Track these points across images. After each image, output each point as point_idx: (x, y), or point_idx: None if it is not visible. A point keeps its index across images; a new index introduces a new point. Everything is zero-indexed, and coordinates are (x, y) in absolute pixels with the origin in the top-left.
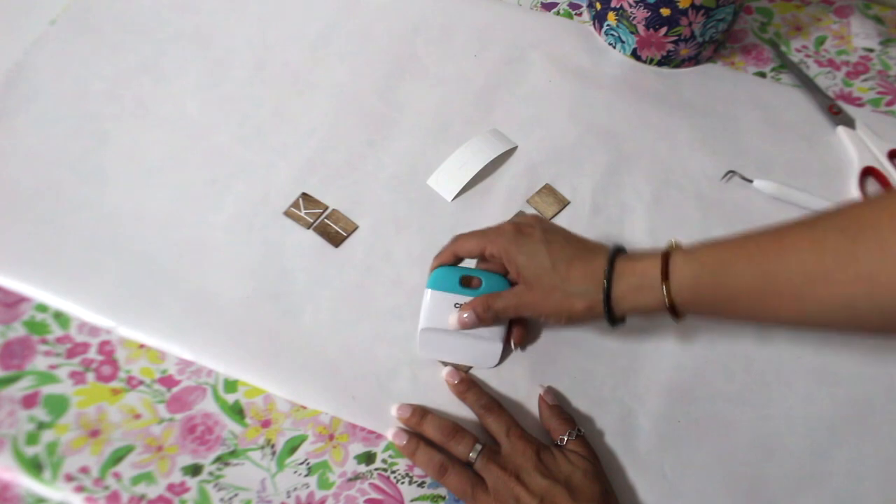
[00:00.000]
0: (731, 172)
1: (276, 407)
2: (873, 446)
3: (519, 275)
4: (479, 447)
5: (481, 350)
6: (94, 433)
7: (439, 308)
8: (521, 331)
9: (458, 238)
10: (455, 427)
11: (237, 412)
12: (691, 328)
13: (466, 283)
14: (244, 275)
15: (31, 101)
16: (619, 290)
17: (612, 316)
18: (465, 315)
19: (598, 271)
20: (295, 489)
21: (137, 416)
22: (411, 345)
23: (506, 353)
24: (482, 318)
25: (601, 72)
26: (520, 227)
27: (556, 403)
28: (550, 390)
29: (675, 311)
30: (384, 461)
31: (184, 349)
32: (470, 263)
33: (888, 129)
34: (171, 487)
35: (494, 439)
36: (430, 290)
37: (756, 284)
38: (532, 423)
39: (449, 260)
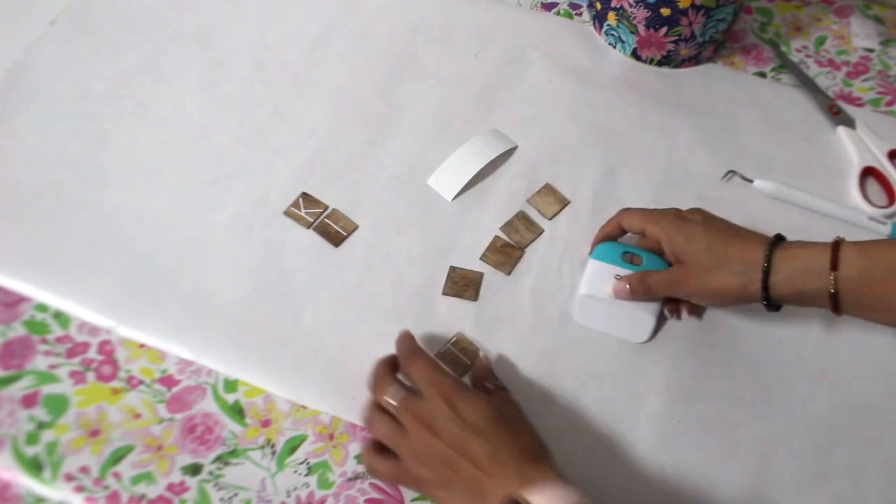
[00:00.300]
0: (732, 172)
1: (276, 407)
2: (873, 446)
3: (676, 255)
4: (399, 396)
5: (634, 322)
6: (94, 433)
7: (600, 278)
8: (688, 303)
9: (625, 212)
10: (381, 375)
11: (237, 412)
12: (691, 329)
13: (628, 259)
14: (244, 275)
15: (31, 101)
16: (780, 273)
17: (768, 297)
18: (620, 286)
19: (757, 253)
20: (295, 489)
21: (137, 416)
22: None
23: (658, 328)
24: (635, 290)
25: (601, 72)
26: (682, 213)
27: (489, 367)
28: (486, 358)
29: (836, 302)
30: None
31: (184, 349)
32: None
33: (888, 129)
34: (170, 487)
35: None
36: (592, 260)
37: None
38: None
39: (614, 230)
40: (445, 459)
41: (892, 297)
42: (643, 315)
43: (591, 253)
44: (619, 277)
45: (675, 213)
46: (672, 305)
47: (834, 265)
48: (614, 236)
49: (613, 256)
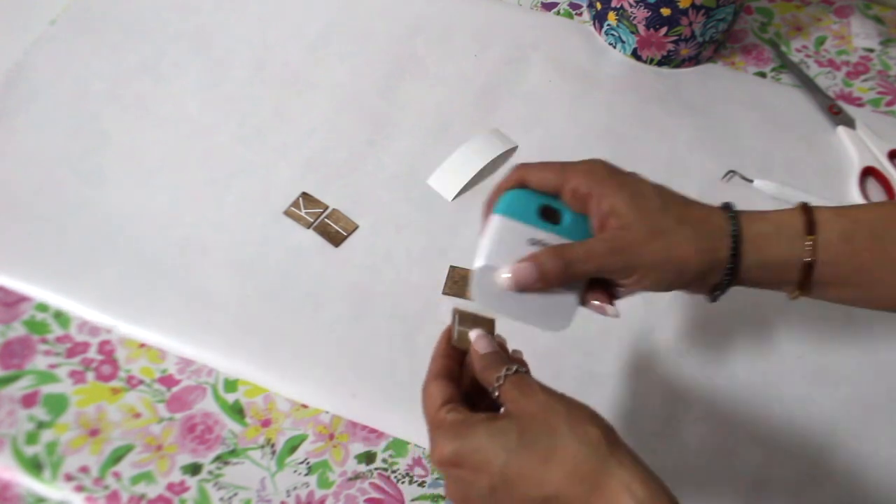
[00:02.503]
0: (732, 172)
1: (276, 406)
2: (873, 446)
3: (614, 216)
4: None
5: (550, 305)
6: (94, 432)
7: (508, 242)
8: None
9: (526, 166)
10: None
11: (237, 412)
12: (690, 328)
13: (548, 215)
14: (244, 274)
15: (31, 101)
16: (749, 234)
17: (736, 267)
18: (524, 269)
19: (717, 214)
20: (295, 488)
21: (137, 416)
22: (411, 343)
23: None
24: (549, 274)
25: (601, 72)
26: (612, 165)
27: (491, 350)
28: (484, 336)
29: (808, 275)
30: (384, 461)
31: (184, 348)
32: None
33: (888, 129)
34: (170, 487)
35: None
36: (497, 216)
37: None
38: None
39: (514, 181)
40: None
41: (877, 267)
42: (563, 295)
43: (494, 207)
44: (535, 243)
45: (605, 165)
46: (598, 294)
47: (810, 228)
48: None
49: (526, 211)
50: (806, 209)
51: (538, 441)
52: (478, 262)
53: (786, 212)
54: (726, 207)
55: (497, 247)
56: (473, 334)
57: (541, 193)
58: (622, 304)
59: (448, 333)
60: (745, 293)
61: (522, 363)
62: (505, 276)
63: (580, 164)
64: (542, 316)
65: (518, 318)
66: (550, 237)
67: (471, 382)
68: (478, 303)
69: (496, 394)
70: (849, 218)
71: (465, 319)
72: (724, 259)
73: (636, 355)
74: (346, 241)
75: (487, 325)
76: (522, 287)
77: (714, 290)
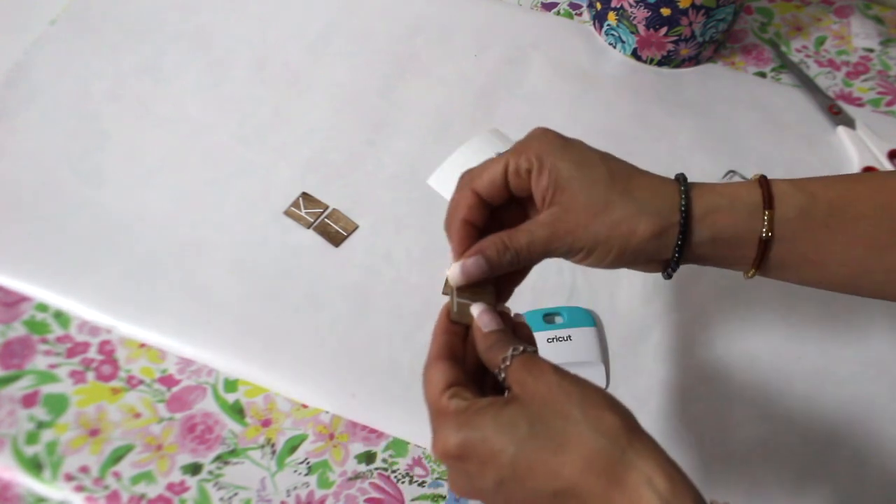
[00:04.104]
0: (732, 172)
1: (276, 406)
2: (874, 446)
3: (557, 191)
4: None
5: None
6: (94, 432)
7: None
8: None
9: (470, 173)
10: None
11: (237, 411)
12: (690, 326)
13: (550, 320)
14: (244, 274)
15: (31, 101)
16: (699, 212)
17: (685, 244)
18: (471, 261)
19: (668, 187)
20: (295, 488)
21: (137, 416)
22: (411, 343)
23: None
24: (496, 262)
25: (601, 72)
26: (560, 134)
27: (496, 329)
28: (487, 311)
29: (765, 251)
30: (384, 461)
31: (184, 348)
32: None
33: (888, 130)
34: (170, 486)
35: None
36: None
37: (882, 232)
38: None
39: (467, 199)
40: None
41: (833, 245)
42: (592, 367)
43: None
44: (551, 340)
45: (553, 133)
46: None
47: (769, 202)
48: (478, 214)
49: (535, 323)
50: (763, 182)
51: (550, 428)
52: None
53: (742, 185)
54: (678, 179)
55: None
56: (476, 309)
57: (540, 308)
58: (622, 305)
59: (447, 308)
60: (744, 289)
61: (531, 341)
62: (453, 271)
63: (519, 142)
64: None
65: None
66: (559, 332)
67: (476, 360)
68: None
69: (502, 376)
70: (807, 193)
71: (464, 291)
72: (673, 234)
73: (635, 356)
74: (346, 241)
75: (488, 296)
76: (470, 276)
77: (666, 268)
